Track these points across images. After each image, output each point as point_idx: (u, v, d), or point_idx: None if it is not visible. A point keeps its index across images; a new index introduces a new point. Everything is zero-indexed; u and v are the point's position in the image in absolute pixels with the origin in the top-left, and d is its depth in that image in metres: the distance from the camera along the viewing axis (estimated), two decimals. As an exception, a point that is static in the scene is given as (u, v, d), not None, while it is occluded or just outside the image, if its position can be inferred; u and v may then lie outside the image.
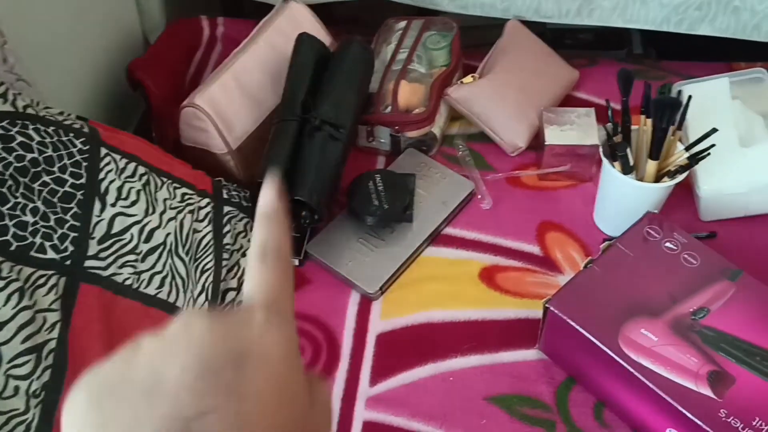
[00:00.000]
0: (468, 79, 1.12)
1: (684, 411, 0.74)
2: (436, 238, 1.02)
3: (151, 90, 1.08)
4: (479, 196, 1.06)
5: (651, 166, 0.91)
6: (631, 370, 0.77)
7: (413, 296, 0.96)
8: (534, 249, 1.00)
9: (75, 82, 1.08)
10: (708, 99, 1.05)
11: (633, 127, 0.95)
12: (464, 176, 1.07)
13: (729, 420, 0.73)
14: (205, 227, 0.93)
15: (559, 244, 1.01)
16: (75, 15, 1.07)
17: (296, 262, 0.99)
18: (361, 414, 0.85)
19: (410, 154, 1.10)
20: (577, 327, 0.80)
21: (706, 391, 0.75)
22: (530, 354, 0.90)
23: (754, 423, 0.72)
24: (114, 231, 0.81)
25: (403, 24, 1.20)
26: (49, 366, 0.70)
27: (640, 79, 1.18)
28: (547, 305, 0.83)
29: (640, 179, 0.94)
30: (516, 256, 0.99)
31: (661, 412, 0.76)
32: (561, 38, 1.54)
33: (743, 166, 0.97)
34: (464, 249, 1.01)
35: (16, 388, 0.67)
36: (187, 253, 0.89)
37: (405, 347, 0.91)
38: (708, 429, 0.72)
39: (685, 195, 1.02)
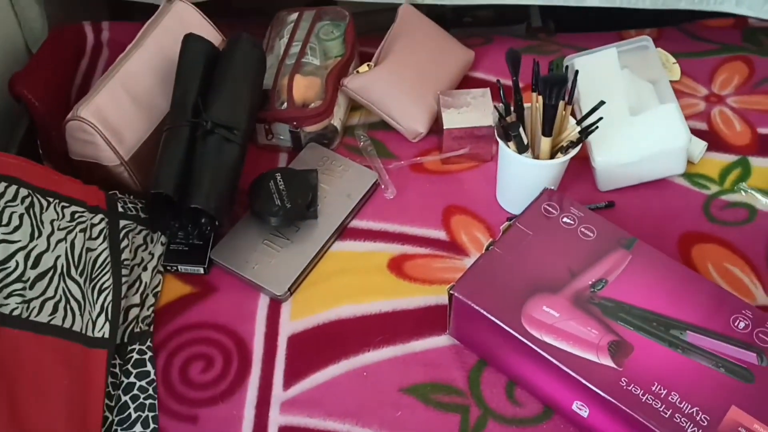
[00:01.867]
0: (363, 68, 1.11)
1: (586, 383, 0.75)
2: (342, 232, 1.01)
3: (33, 104, 1.03)
4: (383, 186, 1.05)
5: (545, 143, 0.92)
6: (535, 348, 0.78)
7: (323, 294, 0.95)
8: (440, 234, 1.00)
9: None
10: (598, 70, 1.07)
11: (526, 105, 0.95)
12: (367, 167, 1.07)
13: (629, 388, 0.74)
14: (100, 245, 0.90)
15: (464, 226, 1.01)
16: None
17: (201, 271, 0.97)
18: (275, 420, 0.84)
19: (312, 149, 1.09)
20: (481, 310, 0.81)
21: (607, 362, 0.76)
22: (441, 340, 0.90)
23: (653, 388, 0.74)
24: (-4, 260, 0.77)
25: (294, 16, 1.18)
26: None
27: (534, 54, 1.20)
28: (451, 291, 0.83)
29: (537, 156, 0.95)
30: (422, 243, 1.00)
31: (567, 386, 0.78)
32: (461, 17, 1.55)
33: (634, 135, 0.99)
34: (371, 240, 1.00)
35: None
36: (81, 274, 0.85)
37: (317, 347, 0.90)
38: (610, 398, 0.74)
39: (583, 167, 1.03)
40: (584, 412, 0.79)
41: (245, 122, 0.98)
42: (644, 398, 0.74)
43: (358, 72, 1.11)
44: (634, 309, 0.80)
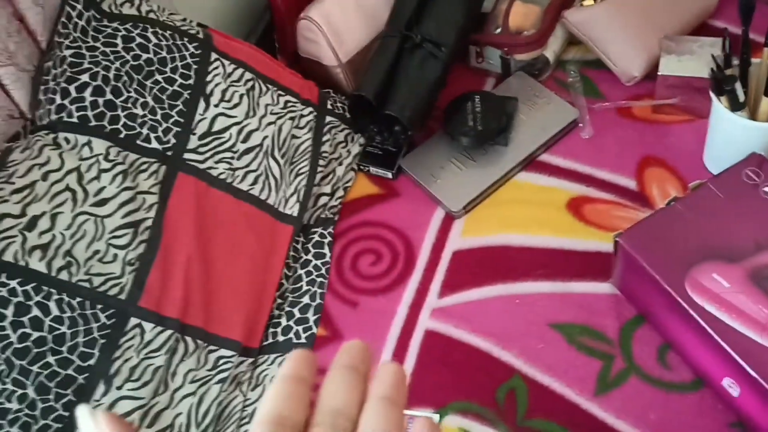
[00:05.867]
0: (589, 1, 1.07)
1: (741, 361, 0.70)
2: (530, 163, 1.01)
3: (276, 1, 1.14)
4: (581, 125, 1.02)
5: (765, 103, 0.84)
6: (693, 313, 0.74)
7: (496, 218, 0.97)
8: (630, 183, 0.96)
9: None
10: None
11: (755, 60, 0.87)
12: (571, 103, 1.04)
13: (788, 377, 0.68)
14: (305, 134, 0.99)
15: (658, 180, 0.96)
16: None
17: (390, 175, 1.03)
18: (424, 323, 0.89)
19: (519, 77, 1.09)
20: (644, 264, 0.78)
21: (770, 345, 0.70)
22: (603, 287, 0.88)
23: (816, 384, 0.68)
24: (214, 129, 0.89)
25: (531, -59, 1.16)
26: (144, 240, 0.80)
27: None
28: (617, 239, 0.81)
29: (754, 118, 0.86)
30: (609, 188, 0.96)
31: (721, 360, 0.73)
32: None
33: None
34: (557, 177, 0.99)
35: (115, 256, 0.78)
36: (283, 156, 0.96)
37: (479, 266, 0.93)
38: (764, 382, 0.69)
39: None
40: (735, 392, 0.74)
41: (453, 41, 1.00)
42: (803, 392, 0.67)
43: (582, 4, 1.07)
44: (819, 297, 0.72)
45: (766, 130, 0.84)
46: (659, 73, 0.97)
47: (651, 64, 1.03)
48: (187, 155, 0.86)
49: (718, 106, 0.86)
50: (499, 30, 1.06)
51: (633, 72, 1.03)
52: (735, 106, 0.85)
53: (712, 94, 0.86)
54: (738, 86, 0.84)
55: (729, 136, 0.89)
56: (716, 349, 0.73)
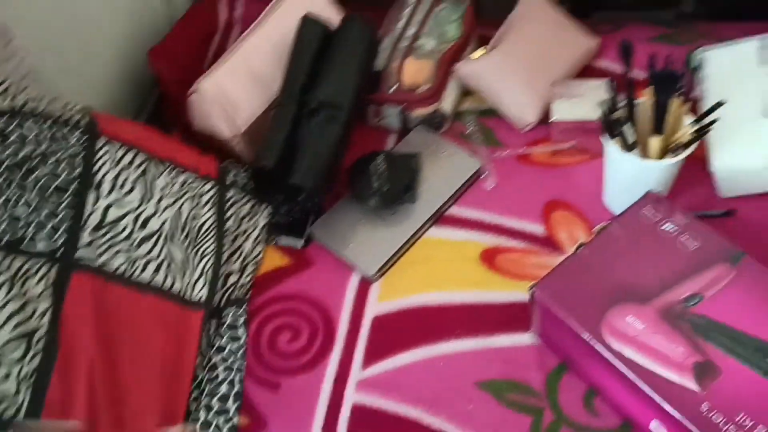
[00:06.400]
0: (478, 53, 1.09)
1: (663, 403, 0.71)
2: (439, 218, 1.01)
3: (164, 77, 1.11)
4: (485, 175, 1.03)
5: (655, 141, 0.87)
6: (612, 359, 0.74)
7: (412, 278, 0.96)
8: (538, 229, 0.97)
9: (98, 70, 1.12)
10: (733, 65, 0.98)
11: (640, 99, 0.90)
12: (473, 154, 1.05)
13: (711, 415, 0.69)
14: (207, 212, 0.95)
15: (565, 223, 0.97)
16: (100, 3, 1.10)
17: (300, 245, 1.01)
18: (351, 397, 0.86)
19: (419, 132, 1.09)
20: (560, 314, 0.78)
21: (690, 383, 0.71)
22: (524, 338, 0.88)
23: (737, 419, 0.69)
24: (108, 220, 0.85)
25: (415, -2, 1.18)
26: (39, 351, 0.74)
27: (668, 43, 1.12)
28: (532, 290, 0.81)
29: (646, 156, 0.89)
30: (519, 236, 0.97)
31: (645, 403, 0.73)
32: (604, -1, 1.47)
33: (763, 140, 0.90)
34: (467, 229, 0.99)
35: (8, 373, 0.72)
36: (185, 239, 0.91)
37: (400, 330, 0.91)
38: (687, 423, 0.69)
39: (704, 170, 0.96)
40: (662, 433, 0.74)
41: (351, 103, 1.00)
42: (726, 428, 0.68)
43: (472, 57, 1.09)
44: (728, 329, 0.74)
45: (658, 168, 0.87)
46: (552, 119, 0.99)
47: (544, 108, 1.06)
48: (80, 253, 0.81)
49: (611, 148, 0.88)
50: (394, 87, 1.06)
51: (527, 118, 1.05)
52: (626, 147, 0.87)
53: (603, 137, 0.88)
54: (627, 128, 0.86)
55: (624, 176, 0.91)
56: (639, 392, 0.73)
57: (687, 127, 0.87)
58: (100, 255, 0.83)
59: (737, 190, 0.94)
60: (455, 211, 1.02)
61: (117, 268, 0.84)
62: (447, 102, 1.09)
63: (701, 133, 0.83)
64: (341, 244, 0.99)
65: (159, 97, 1.20)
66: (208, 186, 0.97)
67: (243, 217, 1.00)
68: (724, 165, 0.91)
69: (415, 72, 1.07)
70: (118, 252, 0.84)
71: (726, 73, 0.97)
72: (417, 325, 0.92)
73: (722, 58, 0.99)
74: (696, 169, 0.95)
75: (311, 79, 1.00)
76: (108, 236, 0.84)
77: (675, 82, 0.81)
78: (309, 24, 1.04)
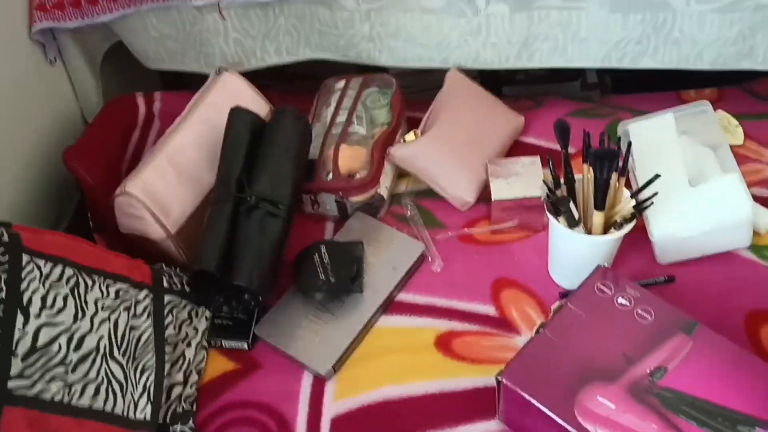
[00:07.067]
0: (410, 136, 1.10)
1: (646, 485, 0.70)
2: (388, 306, 0.99)
3: (84, 178, 1.05)
4: (429, 258, 1.02)
5: (597, 217, 0.89)
6: (589, 443, 0.73)
7: (367, 372, 0.92)
8: (489, 310, 0.97)
9: (9, 174, 1.05)
10: (654, 137, 1.02)
11: (577, 176, 0.92)
12: (414, 237, 1.04)
13: (694, 491, 0.69)
14: (144, 322, 0.89)
15: (514, 301, 0.97)
16: (7, 105, 1.04)
17: (245, 346, 0.95)
18: None
19: (358, 218, 1.07)
20: (531, 400, 0.76)
21: (668, 461, 0.71)
22: (491, 426, 0.86)
23: (719, 492, 0.69)
24: (39, 344, 0.77)
25: (342, 83, 1.18)
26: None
27: (587, 118, 1.17)
28: (499, 378, 0.79)
29: (589, 231, 0.91)
30: (471, 318, 0.96)
31: (626, 484, 0.72)
32: (514, 74, 1.53)
33: (693, 208, 0.94)
34: (418, 315, 0.97)
35: None
36: (124, 354, 0.85)
37: (361, 429, 0.87)
38: (673, 503, 0.69)
39: (643, 236, 0.98)
40: None
41: (289, 196, 0.97)
42: (710, 504, 0.68)
43: (404, 141, 1.09)
44: (696, 401, 0.75)
45: (604, 243, 0.89)
46: (493, 199, 1.00)
47: (480, 186, 1.07)
48: (11, 383, 0.73)
49: (557, 226, 0.90)
50: (330, 176, 1.05)
51: (466, 198, 1.06)
52: (572, 223, 0.89)
53: (549, 216, 0.90)
54: (572, 206, 0.88)
55: (571, 251, 0.92)
56: (619, 474, 0.72)
57: (626, 200, 0.89)
58: (34, 384, 0.75)
59: (674, 257, 0.97)
60: (404, 297, 1.00)
61: (53, 396, 0.76)
62: (384, 186, 1.08)
63: (642, 207, 0.86)
64: (289, 342, 0.94)
65: (80, 200, 1.13)
66: (143, 294, 0.91)
67: (182, 322, 0.94)
68: (663, 234, 0.94)
69: (350, 158, 1.06)
70: (53, 379, 0.77)
71: (650, 144, 1.01)
72: (377, 422, 0.88)
73: (644, 130, 1.04)
74: (633, 238, 0.98)
75: (247, 174, 0.98)
76: (41, 362, 0.76)
77: (613, 159, 0.83)
78: (239, 116, 1.02)
